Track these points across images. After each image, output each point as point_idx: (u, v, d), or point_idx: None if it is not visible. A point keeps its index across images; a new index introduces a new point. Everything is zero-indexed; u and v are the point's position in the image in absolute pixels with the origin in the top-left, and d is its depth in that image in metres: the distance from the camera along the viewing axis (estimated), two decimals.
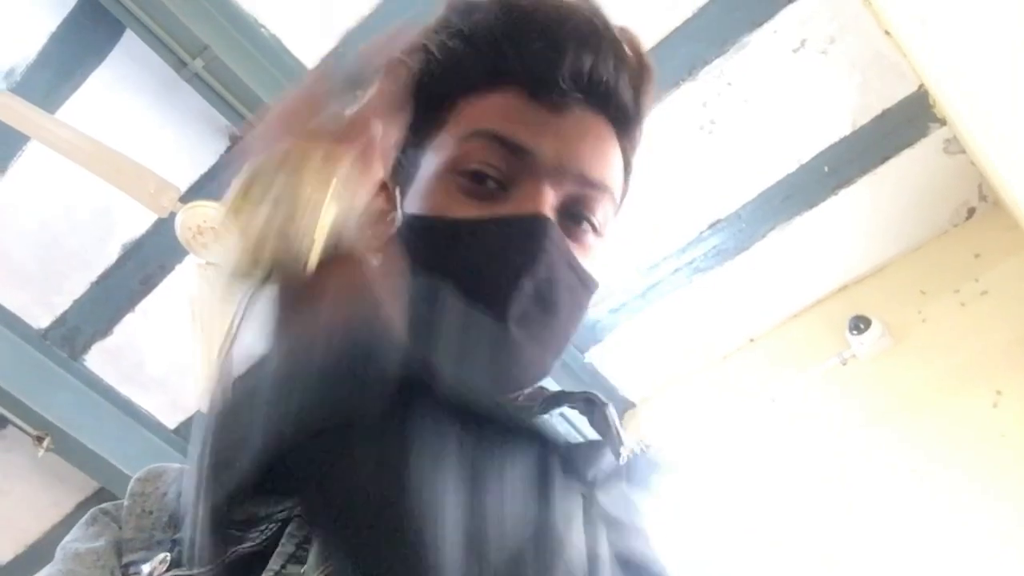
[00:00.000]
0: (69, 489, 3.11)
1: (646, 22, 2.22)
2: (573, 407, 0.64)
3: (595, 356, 2.91)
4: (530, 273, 0.60)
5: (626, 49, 0.68)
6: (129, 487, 0.67)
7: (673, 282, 2.71)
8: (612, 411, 0.62)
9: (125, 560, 0.61)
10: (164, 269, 2.76)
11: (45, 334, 2.92)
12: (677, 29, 2.24)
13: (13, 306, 2.86)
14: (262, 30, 2.27)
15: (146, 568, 0.58)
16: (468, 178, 0.62)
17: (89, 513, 0.66)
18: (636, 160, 0.71)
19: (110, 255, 2.74)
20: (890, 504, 2.32)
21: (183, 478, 0.66)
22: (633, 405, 3.03)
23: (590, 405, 0.63)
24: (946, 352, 2.41)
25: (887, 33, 2.21)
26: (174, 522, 0.63)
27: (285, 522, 0.56)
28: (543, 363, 0.64)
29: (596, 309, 2.80)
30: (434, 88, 0.65)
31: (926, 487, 2.29)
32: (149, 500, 0.65)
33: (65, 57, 2.37)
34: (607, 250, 0.69)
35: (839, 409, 2.52)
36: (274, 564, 0.54)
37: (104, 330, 2.91)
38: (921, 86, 2.30)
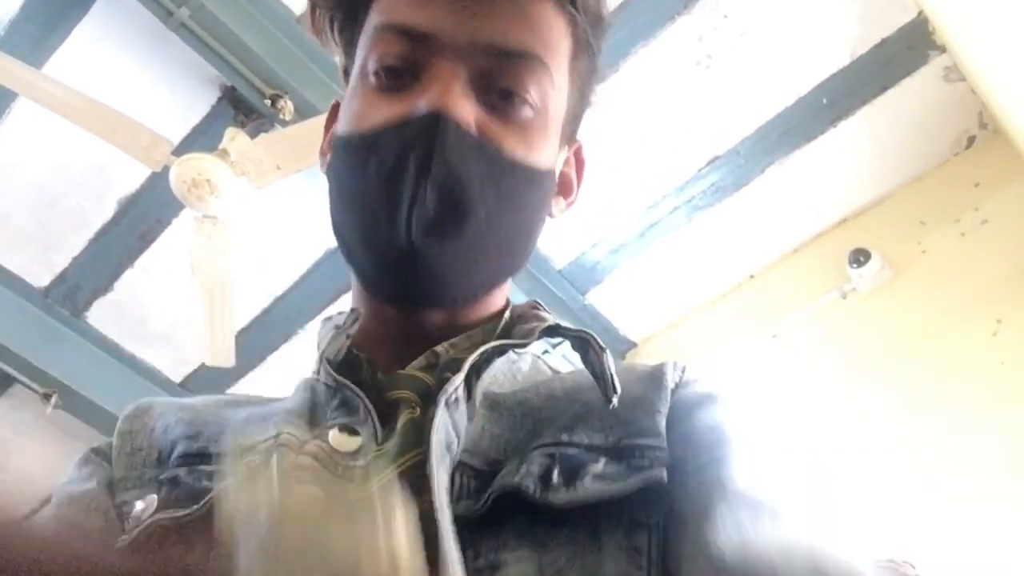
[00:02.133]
0: (79, 444, 3.15)
1: None
2: (571, 342, 0.61)
3: (595, 297, 2.92)
4: (426, 176, 0.55)
5: None
6: (117, 425, 0.66)
7: (672, 221, 2.71)
8: (608, 357, 0.57)
9: (118, 499, 0.60)
10: (161, 223, 2.75)
11: (46, 292, 2.92)
12: None
13: (13, 266, 2.86)
14: None
15: (139, 505, 0.58)
16: (380, 76, 0.59)
17: (82, 454, 0.65)
18: (596, 28, 0.64)
19: (107, 211, 2.73)
20: (892, 436, 2.35)
21: (170, 412, 0.65)
22: (634, 345, 3.05)
23: (584, 344, 0.59)
24: (946, 283, 2.41)
25: None
26: (163, 458, 0.61)
27: (269, 452, 0.55)
28: (481, 267, 0.60)
29: (595, 250, 2.79)
30: (336, 9, 0.63)
31: (927, 416, 2.31)
32: (138, 437, 0.64)
33: (49, 10, 2.32)
34: (553, 126, 0.62)
35: (840, 343, 2.53)
36: None
37: (104, 287, 2.91)
38: (921, 13, 2.26)
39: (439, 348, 0.61)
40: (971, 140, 2.53)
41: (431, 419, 0.56)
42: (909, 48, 2.35)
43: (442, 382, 0.58)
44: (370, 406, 0.57)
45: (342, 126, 0.61)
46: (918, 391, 2.34)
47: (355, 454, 0.54)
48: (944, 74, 2.40)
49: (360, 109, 0.59)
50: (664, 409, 0.57)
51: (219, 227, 2.33)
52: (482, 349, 0.57)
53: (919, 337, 2.39)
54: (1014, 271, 2.32)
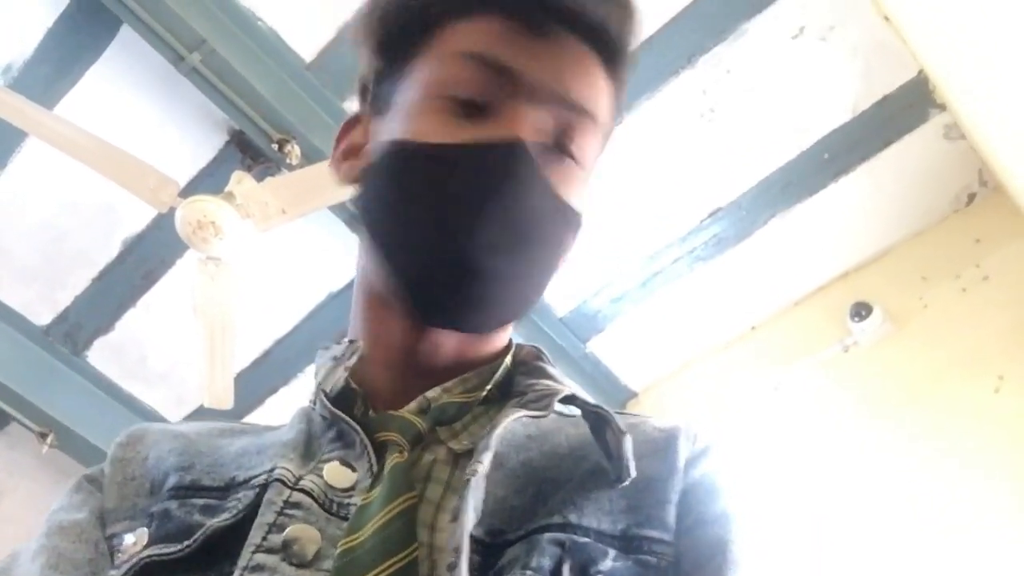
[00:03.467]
0: None
1: (645, 10, 2.21)
2: (586, 416, 0.59)
3: (597, 346, 2.92)
4: (499, 199, 0.57)
5: None
6: (110, 452, 0.64)
7: (674, 271, 2.71)
8: (628, 441, 0.55)
9: (109, 531, 0.59)
10: (165, 264, 2.76)
11: (47, 331, 2.92)
12: (676, 17, 2.23)
13: (15, 303, 2.87)
14: (259, 23, 2.27)
15: (128, 539, 0.56)
16: (450, 101, 0.60)
17: (75, 480, 0.64)
18: (622, 102, 0.68)
19: (111, 251, 2.74)
20: (892, 491, 2.32)
21: (163, 441, 0.63)
22: (635, 394, 3.03)
23: (601, 422, 0.57)
24: (948, 338, 2.41)
25: (886, 19, 2.20)
26: (155, 488, 0.60)
27: (263, 488, 0.54)
28: (520, 298, 0.61)
29: (597, 299, 2.80)
30: (411, 15, 0.63)
31: (929, 472, 2.29)
32: (130, 466, 0.62)
33: (62, 53, 2.36)
34: (589, 185, 0.65)
35: (841, 396, 2.52)
36: (255, 537, 0.51)
37: (106, 326, 2.91)
38: (921, 71, 2.29)
39: (431, 394, 0.60)
40: (971, 197, 2.55)
41: (421, 464, 0.56)
42: (910, 105, 2.37)
43: (437, 423, 0.58)
44: (366, 441, 0.56)
45: (399, 134, 0.61)
46: (920, 446, 2.33)
47: (350, 490, 0.54)
48: (944, 132, 2.42)
49: (426, 127, 0.60)
50: (675, 498, 0.56)
51: (222, 269, 2.34)
52: (499, 427, 0.55)
53: (921, 392, 2.38)
54: (1016, 327, 2.32)
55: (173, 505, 0.56)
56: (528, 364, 0.65)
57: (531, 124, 0.59)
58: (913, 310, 2.51)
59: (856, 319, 2.51)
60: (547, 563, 0.50)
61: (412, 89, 0.62)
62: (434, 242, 0.58)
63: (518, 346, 0.67)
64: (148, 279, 2.80)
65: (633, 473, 0.54)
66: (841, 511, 2.36)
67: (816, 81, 2.33)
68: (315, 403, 0.61)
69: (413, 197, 0.59)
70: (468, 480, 0.51)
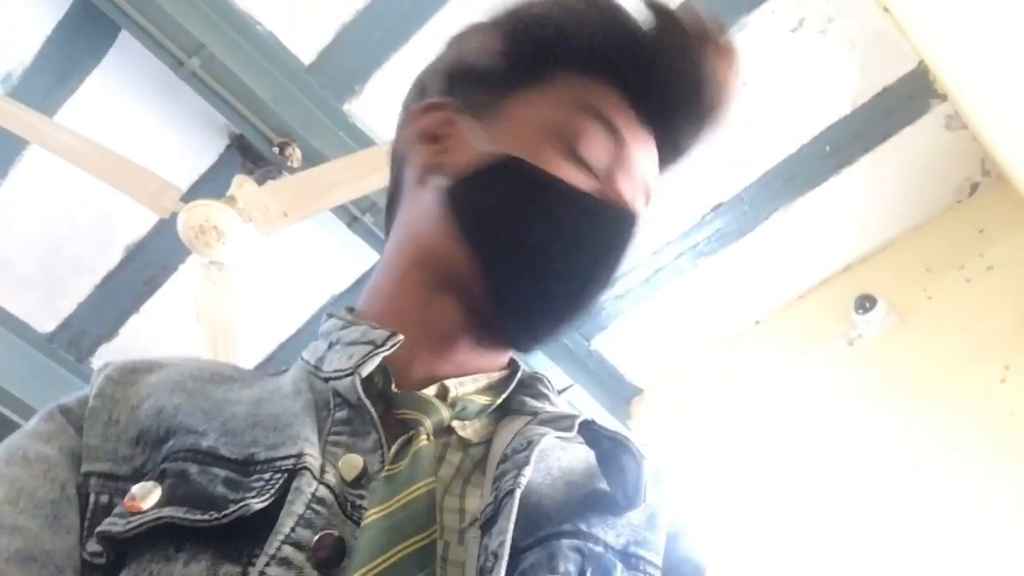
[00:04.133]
0: None
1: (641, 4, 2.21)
2: (606, 444, 0.60)
3: (601, 343, 2.91)
4: (609, 257, 0.64)
5: (723, 114, 0.74)
6: (97, 385, 0.60)
7: (677, 267, 2.71)
8: (647, 467, 0.58)
9: (85, 469, 0.55)
10: (167, 269, 2.76)
11: (51, 338, 2.92)
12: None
13: (19, 311, 2.87)
14: (258, 27, 2.27)
15: (133, 493, 0.52)
16: (570, 147, 0.64)
17: (47, 408, 0.60)
18: None
19: (113, 257, 2.75)
20: (900, 484, 2.32)
21: (160, 391, 0.59)
22: (640, 391, 3.03)
23: (620, 449, 0.59)
24: (953, 329, 2.40)
25: (886, 10, 2.19)
26: (145, 440, 0.56)
27: (291, 474, 0.52)
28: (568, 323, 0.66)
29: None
30: (539, 46, 0.67)
31: (935, 465, 2.28)
32: (117, 407, 0.58)
33: (61, 60, 2.36)
34: None
35: (847, 389, 2.52)
36: (283, 525, 0.49)
37: (109, 332, 2.91)
38: (921, 62, 2.29)
39: (449, 383, 0.62)
40: (974, 187, 2.54)
41: (439, 444, 0.58)
42: (910, 97, 2.37)
43: (456, 418, 0.60)
44: (382, 436, 0.56)
45: (517, 151, 0.63)
46: (926, 437, 2.32)
47: (356, 484, 0.54)
48: (946, 122, 2.42)
49: (548, 158, 0.63)
50: (666, 528, 0.60)
51: (225, 273, 2.34)
52: (541, 444, 0.56)
53: (927, 383, 2.37)
54: (1021, 317, 2.31)
55: (192, 468, 0.53)
56: (532, 387, 0.68)
57: (635, 199, 0.67)
58: (918, 302, 2.50)
59: (860, 312, 2.50)
60: (572, 568, 0.51)
61: (531, 115, 0.65)
62: (541, 270, 0.62)
63: (523, 367, 0.71)
64: (151, 285, 2.80)
65: (646, 499, 0.57)
66: (847, 504, 2.36)
67: (816, 74, 2.33)
68: (321, 373, 0.61)
69: (533, 221, 0.62)
70: (513, 490, 0.52)
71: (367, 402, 0.57)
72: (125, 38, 2.29)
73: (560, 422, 0.60)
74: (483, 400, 0.63)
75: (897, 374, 2.44)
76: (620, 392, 2.99)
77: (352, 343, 0.62)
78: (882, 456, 2.38)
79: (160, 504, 0.51)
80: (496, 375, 0.66)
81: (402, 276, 0.66)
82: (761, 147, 2.47)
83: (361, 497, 0.53)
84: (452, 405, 0.61)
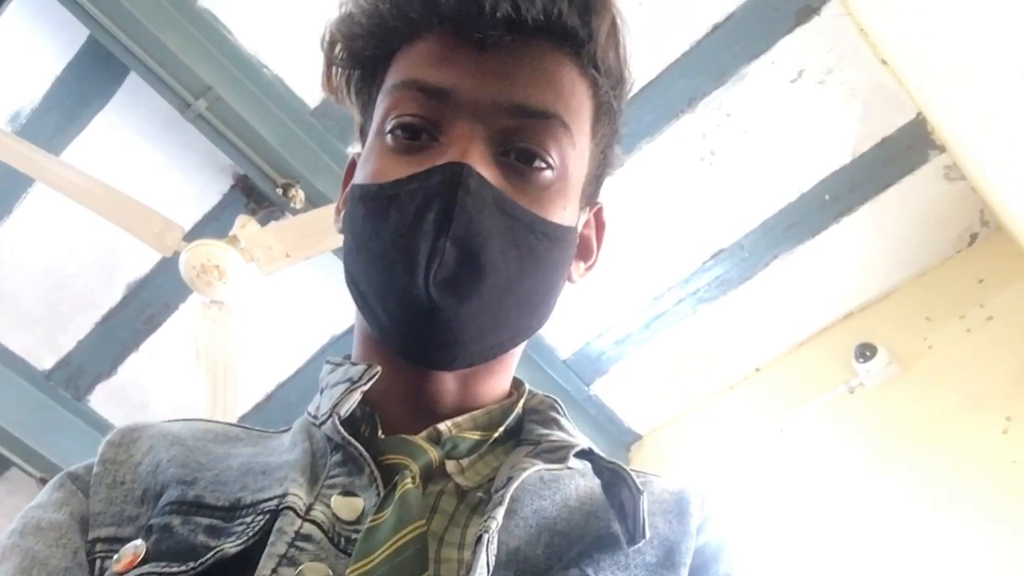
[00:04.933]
0: None
1: (644, 55, 2.24)
2: (599, 472, 0.58)
3: (600, 388, 2.90)
4: (447, 229, 0.53)
5: None
6: (100, 450, 0.60)
7: (677, 313, 2.71)
8: (644, 501, 0.54)
9: (92, 535, 0.55)
10: (168, 308, 2.76)
11: (49, 375, 2.91)
12: (676, 62, 2.26)
13: (18, 348, 2.87)
14: (264, 71, 2.30)
15: (126, 550, 0.52)
16: (397, 134, 0.58)
17: (57, 476, 0.60)
18: (617, 94, 0.63)
19: (115, 295, 2.75)
20: (900, 535, 2.29)
21: (159, 446, 0.59)
22: (639, 437, 3.01)
23: (617, 479, 0.56)
24: (954, 379, 2.39)
25: (884, 62, 2.22)
26: (148, 497, 0.56)
27: (273, 515, 0.51)
28: (500, 328, 0.58)
29: (600, 341, 2.79)
30: (368, 51, 0.61)
31: (937, 516, 2.26)
32: (121, 469, 0.58)
33: (70, 100, 2.39)
34: (573, 187, 0.61)
35: (847, 438, 2.50)
36: (264, 567, 0.48)
37: (108, 370, 2.91)
38: (919, 113, 2.31)
39: (442, 426, 0.59)
40: (974, 237, 2.55)
41: (427, 494, 0.54)
42: (909, 147, 2.39)
43: (447, 456, 0.57)
44: (376, 473, 0.54)
45: (359, 179, 0.61)
46: (927, 487, 2.30)
47: (356, 523, 0.52)
48: (944, 172, 2.44)
49: (378, 165, 0.58)
50: (688, 560, 0.56)
51: (225, 312, 2.34)
52: (517, 480, 0.53)
53: (928, 433, 2.36)
54: (1022, 368, 2.30)
55: (176, 521, 0.53)
56: (542, 413, 0.64)
57: (474, 142, 0.56)
58: (918, 351, 2.50)
59: (861, 360, 2.49)
60: None
61: (372, 129, 0.61)
62: (387, 284, 0.56)
63: (531, 392, 0.66)
64: (151, 323, 2.80)
65: (647, 535, 0.53)
66: (848, 555, 2.33)
67: (815, 124, 2.35)
68: (317, 421, 0.59)
69: (366, 241, 0.58)
70: (481, 536, 0.49)
71: (351, 440, 0.55)
72: (133, 79, 2.32)
73: (556, 453, 0.57)
74: (475, 436, 0.59)
75: (898, 423, 2.43)
76: (619, 438, 2.97)
77: (335, 384, 0.61)
78: (882, 505, 2.35)
79: (143, 562, 0.51)
80: (496, 407, 0.62)
81: (359, 341, 0.65)
82: (761, 195, 2.49)
83: (356, 529, 0.51)
84: (443, 445, 0.58)
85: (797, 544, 2.43)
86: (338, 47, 0.62)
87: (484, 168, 0.56)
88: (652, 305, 2.70)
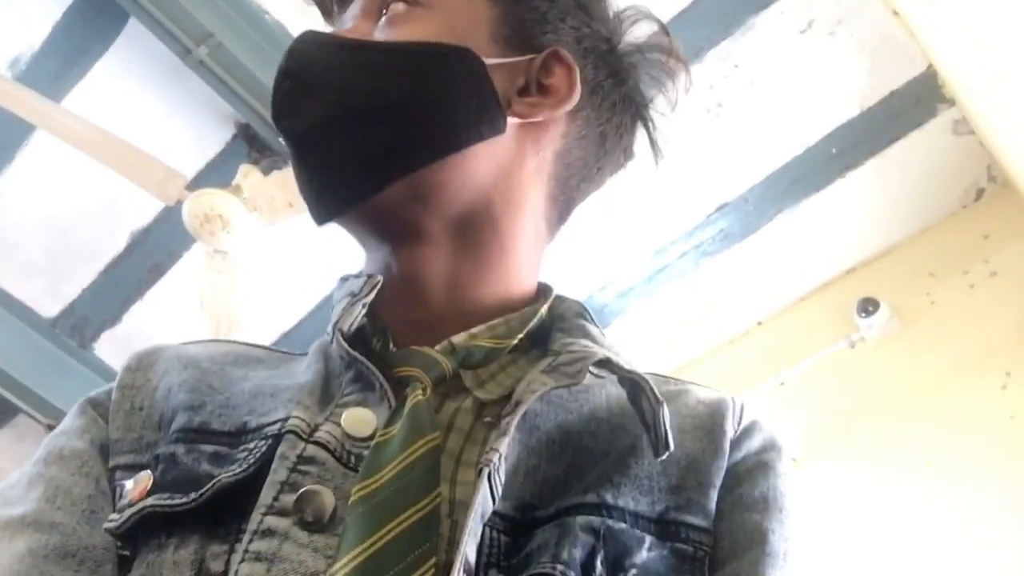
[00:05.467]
0: None
1: (652, 4, 2.21)
2: (621, 382, 0.54)
3: None
4: (282, 72, 0.62)
5: None
6: (119, 377, 0.60)
7: (680, 266, 2.71)
8: (664, 411, 0.51)
9: (112, 463, 0.55)
10: (172, 257, 2.77)
11: (55, 323, 2.93)
12: (683, 11, 2.22)
13: (23, 296, 2.88)
14: (266, 16, 2.26)
15: (129, 484, 0.52)
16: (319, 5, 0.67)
17: (79, 402, 0.60)
18: None
19: (118, 244, 2.75)
20: (897, 489, 2.32)
21: (173, 369, 0.59)
22: None
23: (636, 389, 0.53)
24: (955, 335, 2.40)
25: (895, 13, 2.19)
26: (164, 422, 0.56)
27: (275, 440, 0.50)
28: (363, 141, 0.57)
29: (603, 293, 2.79)
30: None
31: (936, 471, 2.28)
32: (139, 394, 0.58)
33: (69, 46, 2.36)
34: (441, 14, 0.61)
35: (848, 392, 2.51)
36: (266, 497, 0.47)
37: (113, 319, 2.92)
38: (930, 66, 2.28)
39: (456, 338, 0.56)
40: (980, 193, 2.54)
41: (443, 411, 0.52)
42: (918, 101, 2.36)
43: (462, 366, 0.54)
44: (386, 386, 0.52)
45: None
46: (926, 443, 2.32)
47: (369, 439, 0.50)
48: (953, 127, 2.41)
49: None
50: (718, 480, 0.53)
51: (229, 262, 2.34)
52: (526, 405, 0.50)
53: (928, 389, 2.37)
54: None
55: (180, 449, 0.52)
56: (568, 320, 0.61)
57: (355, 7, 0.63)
58: (920, 306, 2.50)
59: (863, 315, 2.50)
60: (579, 554, 0.46)
61: None
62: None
63: (559, 298, 0.64)
64: (155, 272, 2.80)
65: (672, 447, 0.50)
66: (845, 509, 2.36)
67: (824, 76, 2.32)
68: (332, 339, 0.58)
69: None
70: (481, 469, 0.47)
71: (356, 355, 0.54)
72: (133, 25, 2.29)
73: (573, 366, 0.53)
74: (490, 344, 0.56)
75: (898, 378, 2.44)
76: None
77: (340, 300, 0.60)
78: (880, 458, 2.38)
79: (150, 492, 0.50)
80: (516, 315, 0.59)
81: None
82: (767, 148, 2.47)
83: (368, 445, 0.50)
84: (457, 354, 0.55)
85: (795, 498, 2.45)
86: None
87: (353, 27, 0.63)
88: (655, 258, 2.70)
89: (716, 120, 2.39)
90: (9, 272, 2.82)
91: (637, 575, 0.47)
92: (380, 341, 0.57)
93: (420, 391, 0.52)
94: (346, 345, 0.55)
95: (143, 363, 0.61)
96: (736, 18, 2.23)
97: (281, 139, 0.61)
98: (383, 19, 0.61)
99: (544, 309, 0.61)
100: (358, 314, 0.57)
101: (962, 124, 2.40)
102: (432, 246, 0.59)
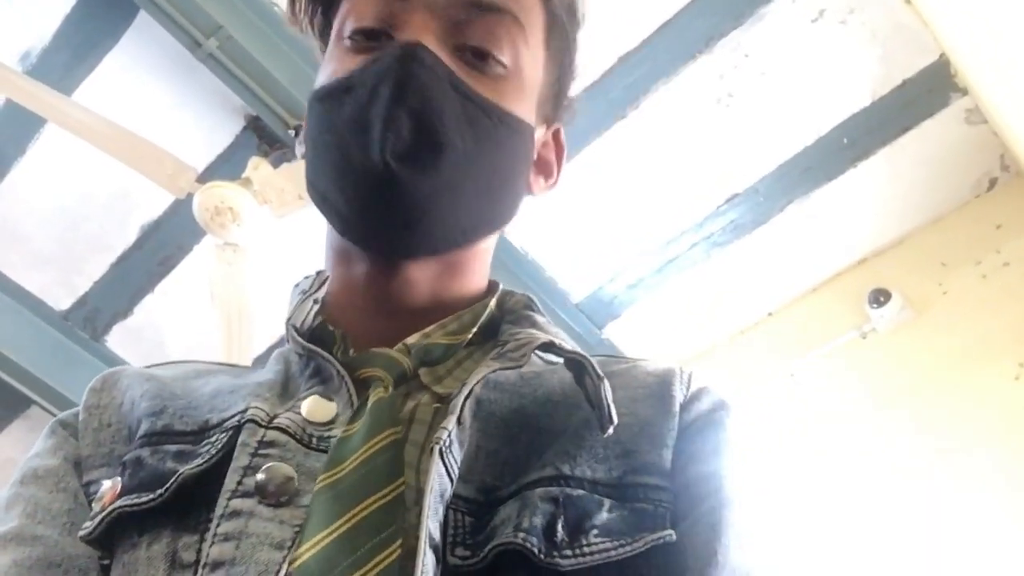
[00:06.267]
0: None
1: None
2: (567, 364, 0.56)
3: (613, 332, 2.91)
4: (399, 100, 0.54)
5: None
6: (84, 398, 0.62)
7: (691, 257, 2.70)
8: (606, 386, 0.52)
9: (85, 479, 0.56)
10: (182, 250, 2.78)
11: (66, 315, 2.95)
12: (693, 1, 2.21)
13: (35, 288, 2.89)
14: (275, 8, 2.26)
15: (104, 485, 0.54)
16: (356, 39, 0.59)
17: (49, 424, 0.62)
18: (570, 17, 0.65)
19: (129, 236, 2.76)
20: (911, 480, 2.31)
21: (135, 384, 0.60)
22: None
23: (579, 368, 0.54)
24: (967, 325, 2.39)
25: (907, 2, 2.17)
26: (131, 434, 0.57)
27: (236, 431, 0.51)
28: (460, 208, 0.57)
29: (613, 284, 2.79)
30: None
31: (948, 462, 2.28)
32: (106, 412, 0.60)
33: (80, 39, 2.37)
34: (528, 89, 0.61)
35: (859, 383, 2.51)
36: (230, 482, 0.48)
37: (124, 311, 2.93)
38: (942, 55, 2.26)
39: (411, 340, 0.58)
40: (993, 182, 2.52)
41: (404, 407, 0.53)
42: (930, 90, 2.35)
43: (421, 364, 0.56)
44: (344, 373, 0.54)
45: (315, 85, 0.61)
46: (938, 434, 2.31)
47: (329, 424, 0.52)
48: (966, 116, 2.39)
49: (335, 66, 0.59)
50: (671, 441, 0.54)
51: (240, 254, 2.34)
52: (471, 384, 0.52)
53: (940, 379, 2.36)
54: None
55: (145, 452, 0.54)
56: (516, 312, 0.63)
57: (429, 30, 0.57)
58: (932, 296, 2.49)
59: (874, 305, 2.49)
60: (539, 521, 0.47)
61: (331, 38, 0.63)
62: (345, 166, 0.56)
63: (506, 292, 0.65)
64: (165, 265, 2.81)
65: (615, 420, 0.52)
66: (858, 499, 2.36)
67: (835, 65, 2.31)
68: (288, 340, 0.60)
69: (322, 136, 0.58)
70: (432, 448, 0.48)
71: (313, 348, 0.56)
72: (143, 18, 2.29)
73: (518, 351, 0.55)
74: (445, 341, 0.58)
75: (910, 369, 2.43)
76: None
77: (293, 299, 0.63)
78: (892, 450, 2.37)
79: (119, 495, 0.52)
80: (467, 311, 0.61)
81: (327, 255, 0.66)
82: (778, 138, 2.46)
83: (329, 429, 0.51)
84: (415, 354, 0.57)
85: (806, 489, 2.45)
86: None
87: (440, 51, 0.57)
88: (665, 249, 2.69)
89: (727, 110, 2.38)
90: (22, 264, 2.84)
91: (599, 535, 0.48)
92: (340, 349, 0.59)
93: (382, 389, 0.53)
94: (301, 340, 0.57)
95: (107, 383, 0.62)
96: (746, 7, 2.22)
97: (373, 159, 0.54)
98: (487, 76, 0.59)
99: (493, 303, 0.63)
100: (309, 310, 0.60)
101: (975, 113, 2.38)
102: (427, 266, 0.61)
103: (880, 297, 2.48)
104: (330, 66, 0.61)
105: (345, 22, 0.60)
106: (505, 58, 0.59)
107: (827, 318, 2.64)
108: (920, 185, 2.53)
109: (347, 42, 0.59)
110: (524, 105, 0.61)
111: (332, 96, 0.58)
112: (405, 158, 0.54)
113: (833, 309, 2.64)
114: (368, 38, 0.59)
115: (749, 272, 2.72)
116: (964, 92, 2.33)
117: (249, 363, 2.56)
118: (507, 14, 0.59)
